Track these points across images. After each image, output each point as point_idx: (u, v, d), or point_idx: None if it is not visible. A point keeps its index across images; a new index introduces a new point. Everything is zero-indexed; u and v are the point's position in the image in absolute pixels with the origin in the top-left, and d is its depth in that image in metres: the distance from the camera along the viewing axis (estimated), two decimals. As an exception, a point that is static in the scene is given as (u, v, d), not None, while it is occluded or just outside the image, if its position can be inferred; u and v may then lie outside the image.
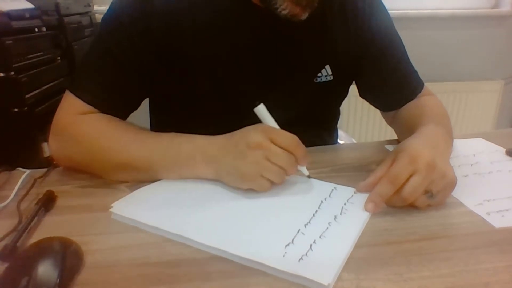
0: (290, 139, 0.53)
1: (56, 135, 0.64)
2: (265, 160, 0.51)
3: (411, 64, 0.77)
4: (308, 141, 0.74)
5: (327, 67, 0.71)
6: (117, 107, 0.65)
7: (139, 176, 0.58)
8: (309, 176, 0.58)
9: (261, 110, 0.56)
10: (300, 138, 0.73)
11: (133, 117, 0.71)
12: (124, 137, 0.60)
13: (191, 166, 0.57)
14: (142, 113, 0.77)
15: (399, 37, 0.75)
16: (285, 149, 0.52)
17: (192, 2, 0.63)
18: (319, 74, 0.71)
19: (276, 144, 0.52)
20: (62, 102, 0.65)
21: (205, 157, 0.56)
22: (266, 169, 0.52)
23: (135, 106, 0.70)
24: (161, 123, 0.83)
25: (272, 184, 0.54)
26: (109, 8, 0.64)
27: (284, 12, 0.58)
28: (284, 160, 0.52)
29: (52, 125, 0.65)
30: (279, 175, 0.53)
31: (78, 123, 0.63)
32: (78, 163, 0.63)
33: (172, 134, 0.60)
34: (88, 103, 0.63)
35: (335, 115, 0.87)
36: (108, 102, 0.64)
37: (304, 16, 0.59)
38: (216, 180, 0.56)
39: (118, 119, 0.64)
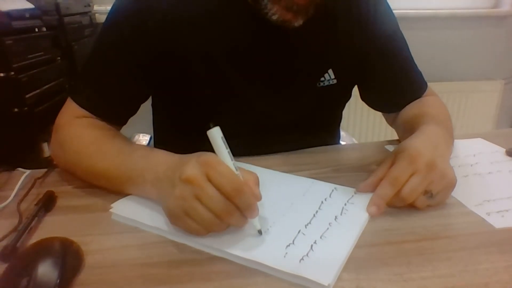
0: (229, 182, 0.42)
1: (52, 136, 0.65)
2: (194, 199, 0.42)
3: (415, 65, 0.76)
4: (310, 144, 0.74)
5: (330, 71, 0.70)
6: (114, 112, 0.66)
7: (106, 186, 0.57)
8: (260, 232, 0.45)
9: (214, 134, 0.44)
10: (302, 141, 0.74)
11: (136, 117, 0.71)
12: (91, 146, 0.59)
13: (141, 184, 0.51)
14: (144, 113, 0.77)
15: (404, 38, 0.75)
16: (221, 193, 0.42)
17: (189, 3, 0.63)
18: (322, 79, 0.70)
19: (212, 183, 0.42)
20: (63, 106, 0.66)
21: (152, 176, 0.49)
22: (193, 209, 0.42)
23: (133, 111, 0.70)
24: (162, 123, 0.84)
25: (205, 229, 0.43)
26: (109, 13, 0.64)
27: (274, 17, 0.57)
28: (217, 205, 0.42)
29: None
30: (210, 222, 0.42)
31: (68, 125, 0.63)
32: (63, 164, 0.64)
33: (136, 147, 0.57)
34: (84, 108, 0.64)
35: (338, 118, 0.87)
36: (104, 108, 0.64)
37: (297, 22, 0.58)
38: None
39: (101, 126, 0.64)
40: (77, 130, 0.62)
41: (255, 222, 0.45)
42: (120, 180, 0.54)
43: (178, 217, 0.44)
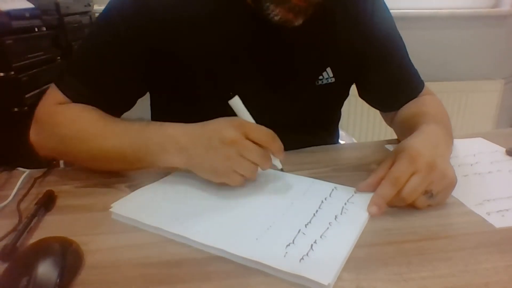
0: (265, 134, 0.52)
1: (35, 123, 0.64)
2: (238, 156, 0.51)
3: (412, 64, 0.77)
4: (309, 143, 0.74)
5: (328, 69, 0.71)
6: (103, 106, 0.64)
7: (113, 167, 0.58)
8: (282, 170, 0.58)
9: (237, 102, 0.55)
10: (302, 140, 0.74)
11: (135, 116, 0.70)
12: (94, 127, 0.59)
13: (162, 155, 0.55)
14: (143, 113, 0.77)
15: (401, 37, 0.75)
16: (260, 144, 0.52)
17: (188, 3, 0.63)
18: (320, 77, 0.71)
19: (250, 139, 0.51)
20: (46, 94, 0.65)
21: (176, 146, 0.55)
22: (239, 164, 0.52)
23: (126, 106, 0.69)
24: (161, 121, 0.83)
25: (245, 179, 0.54)
26: (104, 9, 0.64)
27: (276, 18, 0.57)
28: (258, 155, 0.52)
29: (34, 115, 0.64)
30: (251, 171, 0.53)
31: (55, 112, 0.62)
32: (54, 151, 0.63)
33: (144, 124, 0.59)
34: (71, 99, 0.63)
35: (336, 117, 0.87)
36: (92, 101, 0.63)
37: (298, 22, 0.58)
38: (188, 171, 0.55)
39: (93, 108, 0.63)
40: (70, 114, 0.61)
41: (278, 163, 0.57)
42: (136, 155, 0.56)
43: (225, 174, 0.53)
